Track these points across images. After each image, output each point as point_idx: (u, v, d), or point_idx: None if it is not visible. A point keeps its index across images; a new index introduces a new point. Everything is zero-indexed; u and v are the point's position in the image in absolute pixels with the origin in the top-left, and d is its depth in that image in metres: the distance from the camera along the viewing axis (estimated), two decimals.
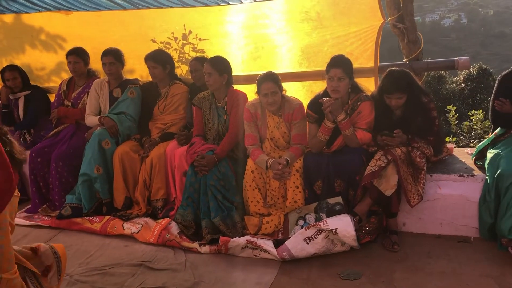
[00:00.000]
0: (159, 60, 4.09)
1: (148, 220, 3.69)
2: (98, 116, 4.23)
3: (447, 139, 5.69)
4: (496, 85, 3.33)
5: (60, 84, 4.66)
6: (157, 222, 3.60)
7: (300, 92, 4.38)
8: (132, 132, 4.18)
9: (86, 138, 4.12)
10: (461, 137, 6.44)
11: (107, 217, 3.81)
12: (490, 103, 3.30)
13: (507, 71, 3.33)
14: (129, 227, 3.62)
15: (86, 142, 4.07)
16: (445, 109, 6.66)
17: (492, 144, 3.31)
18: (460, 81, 16.56)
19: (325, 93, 3.37)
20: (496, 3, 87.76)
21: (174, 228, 3.46)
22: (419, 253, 3.05)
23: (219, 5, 4.32)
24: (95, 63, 4.59)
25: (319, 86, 3.99)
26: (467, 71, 15.64)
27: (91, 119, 4.28)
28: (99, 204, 3.98)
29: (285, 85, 3.58)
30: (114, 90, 4.29)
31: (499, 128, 3.34)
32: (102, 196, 3.94)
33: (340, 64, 3.23)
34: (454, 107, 6.46)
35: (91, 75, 4.61)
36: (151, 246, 3.41)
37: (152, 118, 4.24)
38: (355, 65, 3.58)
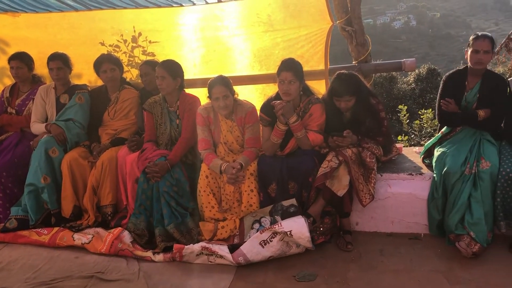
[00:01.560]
0: (115, 62, 4.02)
1: (100, 230, 3.57)
2: (45, 124, 4.07)
3: (399, 137, 5.85)
4: (441, 85, 3.43)
5: (3, 91, 4.43)
6: (109, 232, 3.49)
7: (253, 95, 4.37)
8: (81, 139, 4.04)
9: (32, 146, 3.94)
10: (412, 136, 6.62)
11: (56, 229, 3.65)
12: (436, 103, 3.40)
13: (451, 72, 3.46)
14: (80, 238, 3.49)
15: (32, 150, 3.90)
16: (397, 109, 6.85)
17: (439, 143, 3.43)
18: (410, 81, 17.13)
19: (277, 96, 3.38)
20: (442, 6, 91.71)
21: (127, 237, 3.37)
22: (372, 251, 3.12)
23: (172, 6, 4.24)
24: (42, 68, 4.39)
25: (272, 89, 4.01)
26: (416, 71, 16.21)
27: (37, 127, 4.10)
28: (47, 215, 3.81)
29: (237, 88, 3.56)
30: (61, 96, 4.14)
31: (445, 127, 3.46)
32: (50, 207, 3.78)
33: (290, 68, 3.24)
34: (405, 107, 6.65)
35: (37, 81, 4.44)
36: (103, 257, 3.30)
37: (102, 124, 4.12)
38: (306, 67, 3.61)
